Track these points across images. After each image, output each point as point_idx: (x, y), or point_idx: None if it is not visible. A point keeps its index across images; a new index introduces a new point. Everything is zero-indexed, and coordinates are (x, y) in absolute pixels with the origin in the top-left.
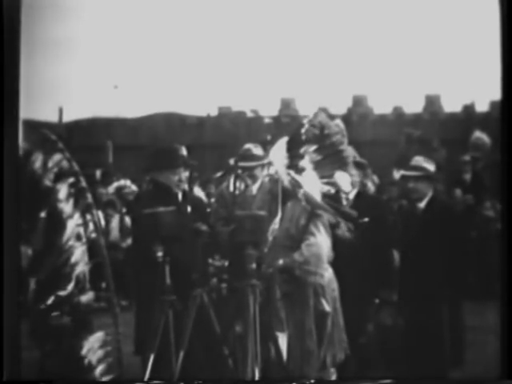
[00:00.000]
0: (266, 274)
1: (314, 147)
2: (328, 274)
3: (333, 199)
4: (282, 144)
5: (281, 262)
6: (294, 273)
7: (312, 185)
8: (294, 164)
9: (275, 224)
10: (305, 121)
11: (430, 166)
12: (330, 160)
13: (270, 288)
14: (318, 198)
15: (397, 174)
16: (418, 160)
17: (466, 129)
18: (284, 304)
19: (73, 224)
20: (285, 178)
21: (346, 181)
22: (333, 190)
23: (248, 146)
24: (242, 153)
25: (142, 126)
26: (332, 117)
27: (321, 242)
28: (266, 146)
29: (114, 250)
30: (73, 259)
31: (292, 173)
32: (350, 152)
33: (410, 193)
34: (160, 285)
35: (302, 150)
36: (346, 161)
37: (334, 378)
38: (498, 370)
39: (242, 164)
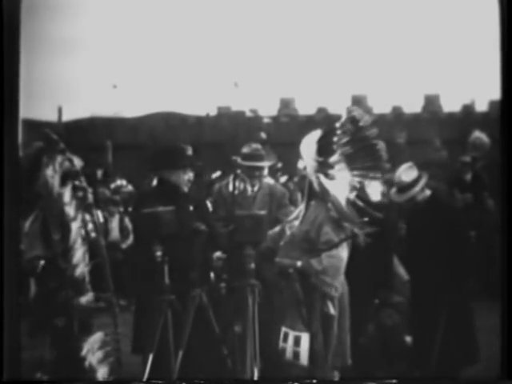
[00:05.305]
0: (283, 267)
1: (345, 139)
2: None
3: (357, 208)
4: (312, 139)
5: (299, 263)
6: (309, 279)
7: (339, 191)
8: (325, 161)
9: (297, 219)
10: (343, 115)
11: (407, 177)
12: (362, 153)
13: (289, 286)
14: (343, 204)
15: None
16: (397, 176)
17: (465, 129)
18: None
19: (76, 226)
20: (313, 174)
21: (376, 191)
22: (359, 185)
23: (255, 145)
24: (250, 152)
25: (141, 125)
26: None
27: (342, 254)
28: (264, 145)
29: (114, 250)
30: (74, 260)
31: (324, 170)
32: (382, 146)
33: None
34: (159, 284)
35: (334, 147)
36: (379, 154)
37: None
38: (498, 370)
39: (248, 163)
